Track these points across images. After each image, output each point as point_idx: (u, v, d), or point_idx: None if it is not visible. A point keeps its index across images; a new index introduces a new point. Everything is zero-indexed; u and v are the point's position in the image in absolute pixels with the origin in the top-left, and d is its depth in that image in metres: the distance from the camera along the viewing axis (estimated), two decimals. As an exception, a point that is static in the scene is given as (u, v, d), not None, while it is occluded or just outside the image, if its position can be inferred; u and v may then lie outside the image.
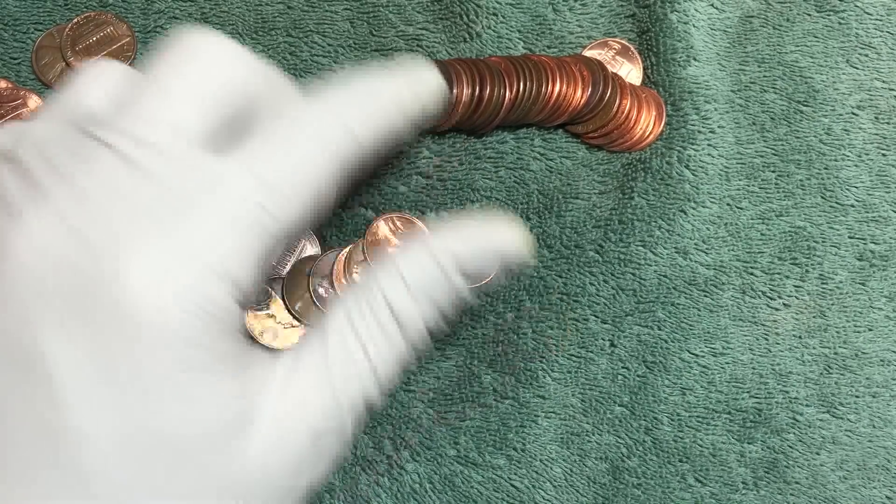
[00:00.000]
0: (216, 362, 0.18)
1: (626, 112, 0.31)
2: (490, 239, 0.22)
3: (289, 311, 0.30)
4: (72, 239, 0.17)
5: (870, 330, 0.32)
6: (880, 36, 0.33)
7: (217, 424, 0.18)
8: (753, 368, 0.32)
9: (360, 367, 0.20)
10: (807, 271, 0.32)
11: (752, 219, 0.32)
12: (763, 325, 0.32)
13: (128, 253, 0.17)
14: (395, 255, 0.22)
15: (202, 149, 0.19)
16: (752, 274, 0.32)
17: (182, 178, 0.18)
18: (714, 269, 0.32)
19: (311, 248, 0.31)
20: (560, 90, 0.30)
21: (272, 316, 0.30)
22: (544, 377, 0.31)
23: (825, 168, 0.33)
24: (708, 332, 0.32)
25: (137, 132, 0.19)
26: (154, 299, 0.17)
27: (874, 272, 0.33)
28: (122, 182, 0.18)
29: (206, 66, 0.20)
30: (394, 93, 0.22)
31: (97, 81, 0.21)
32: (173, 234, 0.18)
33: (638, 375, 0.32)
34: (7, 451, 0.17)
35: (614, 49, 0.33)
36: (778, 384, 0.32)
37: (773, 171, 0.33)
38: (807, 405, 0.32)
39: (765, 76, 0.33)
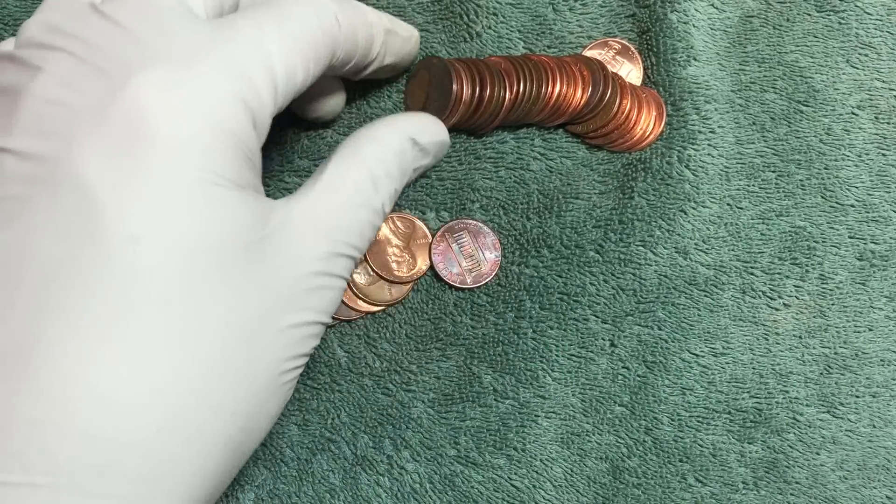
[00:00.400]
0: (236, 173, 0.20)
1: (626, 112, 0.31)
2: (439, 131, 0.27)
3: None
4: (90, 71, 0.19)
5: (870, 330, 0.32)
6: (880, 36, 0.33)
7: (251, 228, 0.20)
8: (754, 368, 0.32)
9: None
10: (807, 271, 0.32)
11: (752, 219, 0.32)
12: (763, 325, 0.32)
13: (139, 74, 0.19)
14: (373, 136, 0.25)
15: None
16: (752, 274, 0.32)
17: (191, 29, 0.20)
18: (714, 268, 0.32)
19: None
20: (560, 90, 0.30)
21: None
22: (544, 377, 0.31)
23: (825, 168, 0.33)
24: (708, 332, 0.32)
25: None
26: (167, 112, 0.19)
27: (874, 272, 0.33)
28: (127, 35, 0.20)
29: None
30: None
31: None
32: (181, 60, 0.19)
33: (638, 375, 0.32)
34: (62, 267, 0.18)
35: (614, 49, 0.33)
36: (778, 384, 0.32)
37: (774, 171, 0.33)
38: (807, 405, 0.32)
39: (765, 76, 0.33)
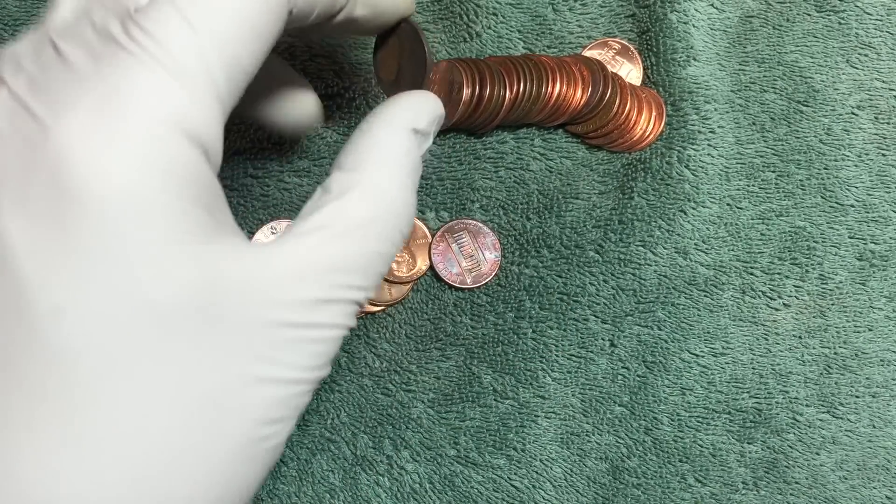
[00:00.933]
0: (184, 220, 0.17)
1: (626, 112, 0.31)
2: (436, 109, 0.24)
3: None
4: (18, 114, 0.17)
5: (870, 330, 0.32)
6: (880, 36, 0.33)
7: (206, 284, 0.17)
8: (753, 368, 0.32)
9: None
10: (807, 271, 0.32)
11: (752, 219, 0.32)
12: (763, 325, 0.32)
13: (64, 118, 0.16)
14: (373, 143, 0.22)
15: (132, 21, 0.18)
16: (752, 274, 0.32)
17: (119, 46, 0.17)
18: (714, 269, 0.32)
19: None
20: (560, 90, 0.30)
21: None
22: (544, 377, 0.31)
23: (825, 168, 0.33)
24: (708, 332, 0.32)
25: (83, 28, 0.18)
26: (93, 162, 0.16)
27: (874, 272, 0.33)
28: (71, 71, 0.17)
29: None
30: None
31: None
32: (111, 93, 0.17)
33: (638, 375, 0.32)
34: None
35: (614, 49, 0.33)
36: (778, 384, 0.32)
37: (773, 171, 0.33)
38: (807, 405, 0.32)
39: (765, 76, 0.33)
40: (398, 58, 0.27)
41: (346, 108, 0.32)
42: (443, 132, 0.32)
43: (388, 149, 0.21)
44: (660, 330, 0.32)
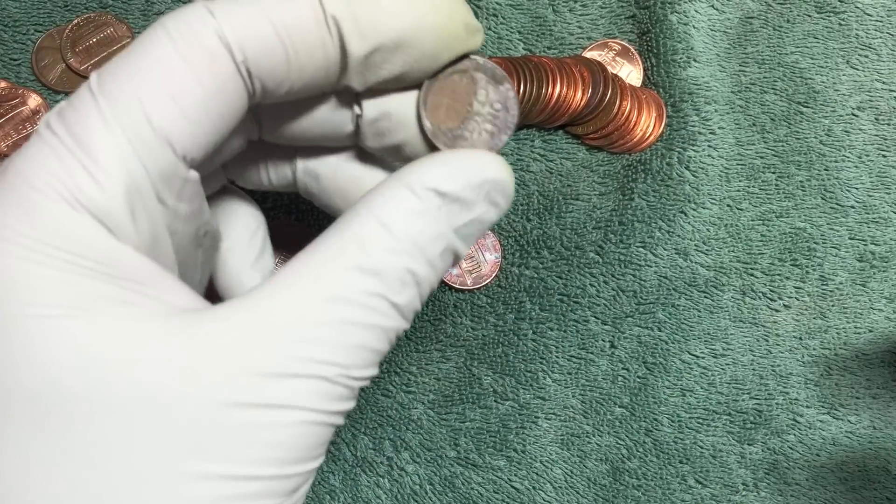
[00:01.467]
0: (64, 298, 0.15)
1: (626, 113, 0.31)
2: (474, 168, 0.18)
3: None
4: None
5: (870, 331, 0.32)
6: (880, 37, 0.33)
7: (83, 366, 0.15)
8: (754, 370, 0.32)
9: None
10: (807, 272, 0.32)
11: (752, 220, 0.32)
12: (763, 326, 0.32)
13: None
14: (370, 196, 0.17)
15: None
16: (752, 275, 0.32)
17: (38, 135, 0.16)
18: (714, 270, 0.32)
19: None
20: (560, 91, 0.30)
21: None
22: (544, 378, 0.31)
23: (825, 169, 0.33)
24: (708, 334, 0.32)
25: None
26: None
27: (874, 273, 0.33)
28: None
29: None
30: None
31: None
32: (9, 167, 0.16)
33: (638, 377, 0.32)
34: None
35: (614, 50, 0.33)
36: (778, 385, 0.32)
37: (774, 173, 0.33)
38: (807, 406, 0.32)
39: (765, 77, 0.33)
40: (448, 97, 0.20)
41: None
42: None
43: (386, 203, 0.17)
44: (660, 331, 0.32)
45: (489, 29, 0.32)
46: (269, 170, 0.22)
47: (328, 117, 0.19)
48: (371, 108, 0.19)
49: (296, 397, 0.16)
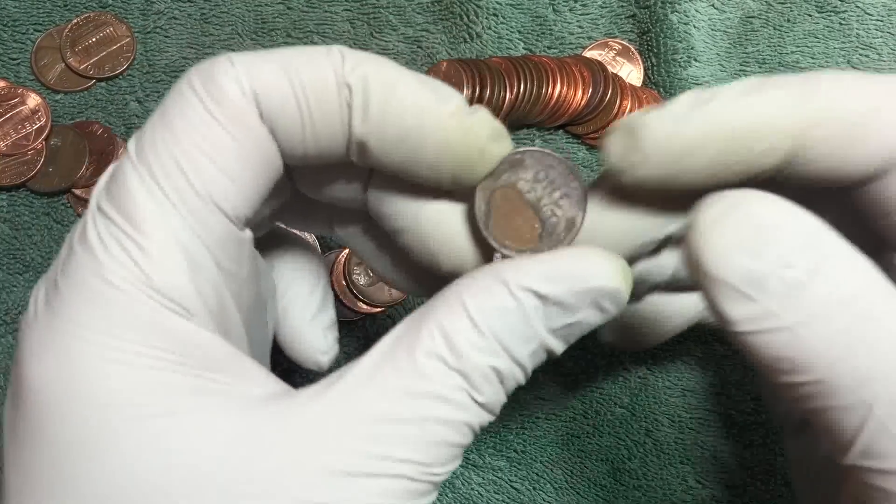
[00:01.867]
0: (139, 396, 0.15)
1: (626, 113, 0.31)
2: (580, 273, 0.17)
3: None
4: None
5: (871, 331, 0.32)
6: (881, 37, 0.33)
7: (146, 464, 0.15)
8: (754, 370, 0.32)
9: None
10: (808, 272, 0.32)
11: (752, 220, 0.32)
12: (764, 326, 0.32)
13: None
14: (461, 285, 0.17)
15: None
16: (752, 275, 0.32)
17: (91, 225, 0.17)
18: (715, 270, 0.32)
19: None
20: (560, 91, 0.30)
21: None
22: (545, 379, 0.31)
23: (826, 169, 0.33)
24: (709, 333, 0.32)
25: None
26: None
27: (875, 273, 0.33)
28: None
29: None
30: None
31: None
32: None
33: (639, 377, 0.31)
34: None
35: (615, 50, 0.33)
36: (779, 386, 0.32)
37: (774, 172, 0.33)
38: (808, 407, 0.32)
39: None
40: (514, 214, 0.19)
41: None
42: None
43: (476, 297, 0.16)
44: (660, 331, 0.32)
45: (489, 28, 0.32)
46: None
47: (346, 184, 0.19)
48: (374, 192, 0.18)
49: (378, 497, 0.15)
